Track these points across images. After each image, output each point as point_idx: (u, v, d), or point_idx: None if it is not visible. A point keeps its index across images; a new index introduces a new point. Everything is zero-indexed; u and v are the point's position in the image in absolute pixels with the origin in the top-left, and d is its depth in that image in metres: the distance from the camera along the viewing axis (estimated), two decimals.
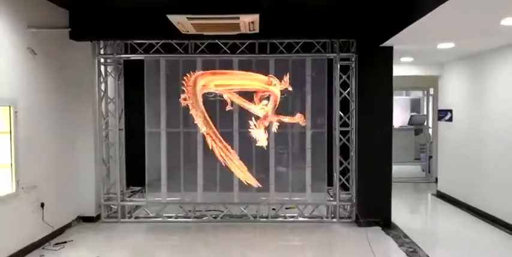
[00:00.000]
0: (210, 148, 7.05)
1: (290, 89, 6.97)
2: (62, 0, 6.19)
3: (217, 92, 7.01)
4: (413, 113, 14.22)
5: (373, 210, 6.77)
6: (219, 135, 7.06)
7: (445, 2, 4.07)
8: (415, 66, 9.28)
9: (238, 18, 5.12)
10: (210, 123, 7.06)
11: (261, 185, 7.07)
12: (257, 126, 6.96)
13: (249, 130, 7.02)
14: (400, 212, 7.43)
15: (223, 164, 7.06)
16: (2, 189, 5.19)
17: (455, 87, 8.63)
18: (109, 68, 7.24)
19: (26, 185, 5.50)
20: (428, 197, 9.36)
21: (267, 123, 7.02)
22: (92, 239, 6.32)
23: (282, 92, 7.04)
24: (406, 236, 6.33)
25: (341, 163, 7.13)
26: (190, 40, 6.90)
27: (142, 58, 7.05)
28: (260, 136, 7.01)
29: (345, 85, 7.08)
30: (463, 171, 8.12)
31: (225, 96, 6.97)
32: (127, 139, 7.26)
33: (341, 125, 7.07)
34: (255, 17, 5.17)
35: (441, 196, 9.01)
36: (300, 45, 6.97)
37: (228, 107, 7.00)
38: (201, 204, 7.23)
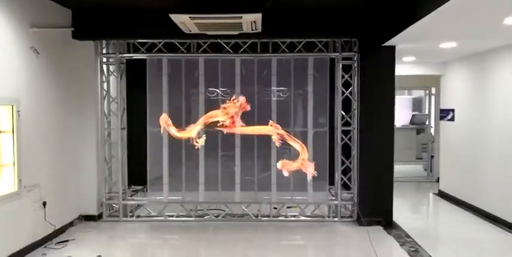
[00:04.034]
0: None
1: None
2: (64, 0, 6.19)
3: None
4: (415, 113, 14.21)
5: (375, 209, 6.78)
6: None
7: (448, 2, 4.07)
8: (417, 65, 9.26)
9: (241, 17, 5.11)
10: None
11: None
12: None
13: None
14: (402, 212, 7.44)
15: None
16: (5, 188, 5.21)
17: (457, 86, 8.62)
18: (111, 67, 7.24)
19: (28, 184, 5.52)
20: (430, 196, 9.36)
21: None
22: (93, 238, 6.33)
23: (283, 91, 7.07)
24: (407, 235, 6.33)
25: (343, 162, 7.13)
26: (193, 39, 6.91)
27: (145, 57, 7.06)
28: None
29: (347, 84, 7.08)
30: (465, 170, 8.12)
31: None
32: (129, 138, 7.27)
33: (343, 125, 7.07)
34: (258, 17, 5.17)
35: (443, 195, 9.00)
36: (302, 44, 6.97)
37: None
38: (202, 203, 7.24)
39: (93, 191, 7.02)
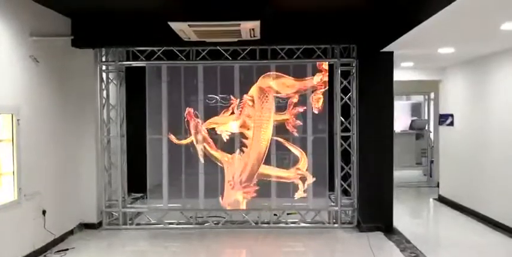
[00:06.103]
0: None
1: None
2: (64, 9, 6.22)
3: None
4: (414, 118, 14.22)
5: (375, 215, 6.77)
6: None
7: (445, 8, 4.10)
8: (416, 71, 9.29)
9: (239, 25, 5.14)
10: None
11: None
12: None
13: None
14: (402, 217, 7.42)
15: None
16: (4, 196, 5.19)
17: (456, 91, 8.64)
18: (111, 75, 7.26)
19: (28, 192, 5.50)
20: (430, 201, 9.35)
21: None
22: (93, 246, 6.31)
23: (282, 98, 7.10)
24: (408, 241, 6.31)
25: (342, 168, 7.12)
26: (192, 47, 6.92)
27: (144, 65, 7.08)
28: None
29: (345, 90, 7.09)
30: (465, 175, 8.12)
31: None
32: (128, 145, 7.26)
33: (342, 130, 7.07)
34: (256, 24, 5.19)
35: (443, 200, 8.99)
36: (300, 51, 6.99)
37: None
38: (202, 210, 7.22)
39: (93, 199, 7.01)
